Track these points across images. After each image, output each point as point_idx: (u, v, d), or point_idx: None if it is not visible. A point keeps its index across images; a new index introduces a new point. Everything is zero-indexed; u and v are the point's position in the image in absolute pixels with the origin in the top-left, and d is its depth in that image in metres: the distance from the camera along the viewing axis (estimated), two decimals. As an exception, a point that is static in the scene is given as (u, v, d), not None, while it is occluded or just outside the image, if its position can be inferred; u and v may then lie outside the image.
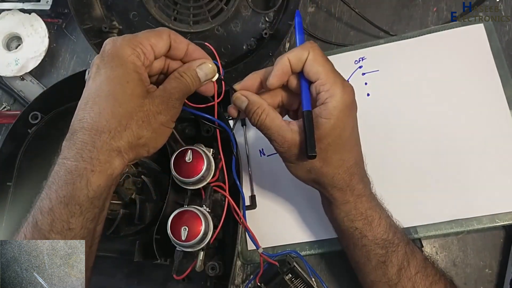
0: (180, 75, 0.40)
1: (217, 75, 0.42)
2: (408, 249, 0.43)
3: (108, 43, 0.38)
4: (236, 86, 0.43)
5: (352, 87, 0.41)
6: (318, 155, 0.39)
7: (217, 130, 0.46)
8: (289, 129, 0.41)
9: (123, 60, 0.37)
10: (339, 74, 0.41)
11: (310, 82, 0.41)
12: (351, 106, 0.41)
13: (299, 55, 0.40)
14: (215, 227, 0.43)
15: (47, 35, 0.63)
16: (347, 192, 0.42)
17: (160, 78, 0.43)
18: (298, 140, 0.41)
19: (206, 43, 0.46)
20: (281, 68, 0.41)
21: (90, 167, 0.34)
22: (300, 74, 0.41)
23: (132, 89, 0.36)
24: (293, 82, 0.43)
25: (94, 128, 0.35)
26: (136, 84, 0.37)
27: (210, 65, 0.41)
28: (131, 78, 0.37)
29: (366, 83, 0.58)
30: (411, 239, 0.45)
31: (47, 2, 0.63)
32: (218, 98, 0.44)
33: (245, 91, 0.43)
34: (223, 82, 0.44)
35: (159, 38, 0.39)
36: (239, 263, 0.54)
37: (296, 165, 0.43)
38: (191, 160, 0.43)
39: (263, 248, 0.50)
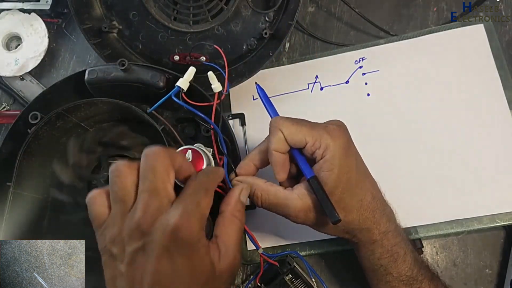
0: (233, 215, 0.37)
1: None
2: (432, 286, 0.42)
3: (183, 226, 0.31)
4: (232, 175, 0.43)
5: (335, 124, 0.41)
6: (338, 207, 0.38)
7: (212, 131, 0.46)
8: (296, 197, 0.40)
9: (196, 247, 0.32)
10: (317, 124, 0.41)
11: (300, 149, 0.41)
12: (347, 143, 0.40)
13: (278, 140, 0.40)
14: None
15: (46, 35, 0.63)
16: (374, 231, 0.41)
17: None
18: (311, 203, 0.39)
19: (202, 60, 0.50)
20: (277, 162, 0.41)
21: None
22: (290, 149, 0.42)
23: (206, 277, 0.33)
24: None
25: None
26: (208, 271, 0.33)
27: (246, 191, 0.40)
28: (205, 265, 0.33)
29: (366, 83, 0.58)
30: (435, 274, 0.44)
31: (46, 2, 0.63)
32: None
33: (240, 176, 0.43)
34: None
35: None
36: (239, 263, 0.54)
37: (323, 227, 0.42)
38: (190, 160, 0.43)
39: (263, 248, 0.50)
